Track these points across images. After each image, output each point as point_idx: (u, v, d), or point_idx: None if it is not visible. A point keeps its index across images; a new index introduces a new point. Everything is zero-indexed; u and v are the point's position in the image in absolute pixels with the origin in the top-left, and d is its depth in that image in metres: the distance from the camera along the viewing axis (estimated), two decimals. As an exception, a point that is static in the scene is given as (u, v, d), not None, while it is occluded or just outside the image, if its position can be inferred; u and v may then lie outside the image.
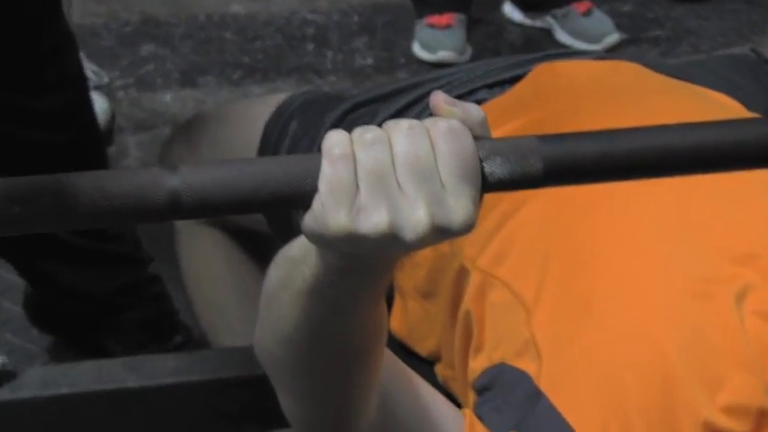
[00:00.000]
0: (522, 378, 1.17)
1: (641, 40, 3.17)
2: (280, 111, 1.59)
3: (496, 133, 1.32)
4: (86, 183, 0.77)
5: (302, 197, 0.80)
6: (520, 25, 3.24)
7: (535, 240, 1.24)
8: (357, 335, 1.00)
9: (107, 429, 1.60)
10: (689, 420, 1.08)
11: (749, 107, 1.43)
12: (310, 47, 3.13)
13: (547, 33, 3.19)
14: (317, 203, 0.79)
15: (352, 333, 0.99)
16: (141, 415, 1.57)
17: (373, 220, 0.79)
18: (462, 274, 1.29)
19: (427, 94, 1.50)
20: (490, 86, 1.50)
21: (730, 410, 1.08)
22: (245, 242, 1.70)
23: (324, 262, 0.90)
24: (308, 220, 0.81)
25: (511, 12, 3.26)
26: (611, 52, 3.05)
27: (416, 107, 1.49)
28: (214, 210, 0.80)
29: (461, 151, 0.80)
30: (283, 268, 0.99)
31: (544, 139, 0.82)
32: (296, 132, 1.55)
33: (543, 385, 1.15)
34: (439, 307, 1.33)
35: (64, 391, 1.53)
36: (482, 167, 0.81)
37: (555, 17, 3.17)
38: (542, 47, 3.12)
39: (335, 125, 1.51)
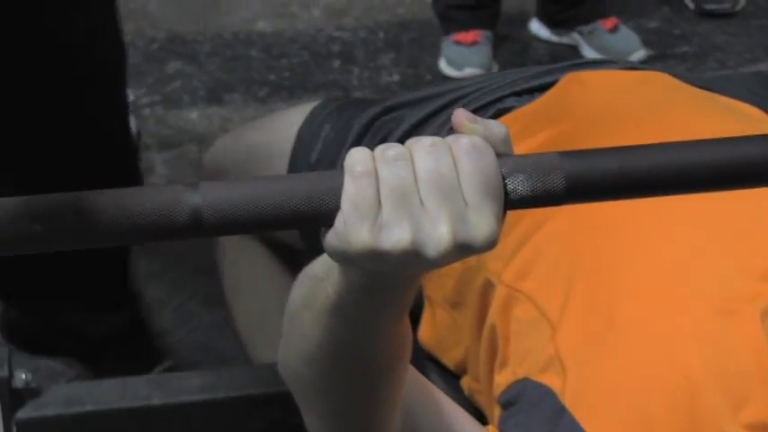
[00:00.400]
0: (547, 394, 1.16)
1: (668, 57, 3.16)
2: (313, 115, 1.60)
3: (525, 144, 1.34)
4: (107, 200, 0.77)
5: (325, 215, 0.80)
6: (546, 42, 3.25)
7: (560, 256, 1.24)
8: (380, 353, 0.99)
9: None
10: None
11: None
12: (336, 64, 3.14)
13: (573, 50, 3.19)
14: (339, 221, 0.79)
15: (376, 351, 0.98)
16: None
17: (396, 237, 0.78)
18: (488, 288, 1.28)
19: (453, 102, 1.50)
20: (519, 94, 1.50)
21: (754, 427, 1.08)
22: (285, 255, 1.70)
23: (347, 279, 0.89)
24: (331, 237, 0.81)
25: (537, 29, 3.26)
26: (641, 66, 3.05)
27: (443, 114, 1.49)
28: (236, 228, 0.80)
29: (484, 168, 0.79)
30: (306, 286, 0.99)
31: (566, 155, 0.82)
32: (327, 135, 1.56)
33: (568, 401, 1.14)
34: (466, 317, 1.33)
35: (88, 408, 1.53)
36: (505, 184, 0.81)
37: (581, 34, 3.17)
38: (569, 60, 3.12)
39: (363, 131, 1.53)
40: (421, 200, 0.79)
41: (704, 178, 0.84)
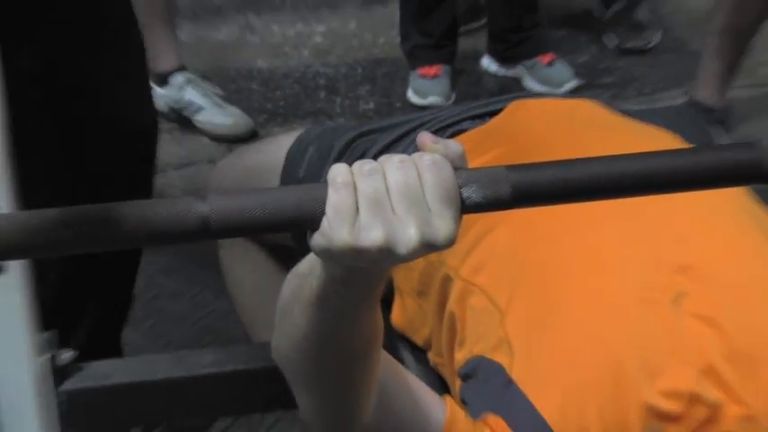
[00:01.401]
0: (499, 369, 1.17)
1: (595, 86, 3.17)
2: (299, 139, 1.60)
3: (478, 160, 1.35)
4: (129, 210, 0.78)
5: (312, 220, 0.81)
6: (495, 75, 3.25)
7: (507, 256, 1.24)
8: (357, 339, 0.99)
9: (157, 414, 1.60)
10: (634, 403, 1.08)
11: (684, 141, 1.44)
12: (322, 94, 3.13)
13: (518, 81, 3.20)
14: (324, 224, 0.80)
15: (353, 337, 0.99)
16: (185, 401, 1.57)
17: (372, 237, 0.79)
18: (447, 281, 1.29)
19: (417, 127, 1.51)
20: (473, 118, 1.50)
21: (667, 394, 1.08)
22: (276, 255, 1.70)
23: (328, 274, 0.90)
24: (317, 237, 0.81)
25: (488, 64, 3.26)
26: (572, 95, 3.05)
27: (408, 138, 1.50)
28: (238, 232, 0.80)
29: (443, 180, 0.80)
30: (294, 283, 1.00)
31: (512, 168, 0.82)
32: (312, 156, 1.56)
33: (515, 375, 1.15)
34: (430, 304, 1.33)
35: (119, 381, 1.53)
36: (461, 193, 0.81)
37: (525, 67, 3.18)
38: (513, 92, 3.12)
39: (343, 150, 1.53)
40: (392, 207, 0.80)
41: (628, 186, 0.86)
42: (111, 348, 1.97)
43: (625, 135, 1.43)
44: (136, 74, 1.84)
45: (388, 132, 1.53)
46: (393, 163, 0.81)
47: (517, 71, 3.20)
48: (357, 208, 0.80)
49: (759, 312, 1.15)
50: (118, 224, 0.77)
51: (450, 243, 0.81)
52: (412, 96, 3.12)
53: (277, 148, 1.62)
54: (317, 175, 1.51)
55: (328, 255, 0.83)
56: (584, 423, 1.09)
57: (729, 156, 0.86)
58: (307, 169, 1.54)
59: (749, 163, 0.84)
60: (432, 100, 3.07)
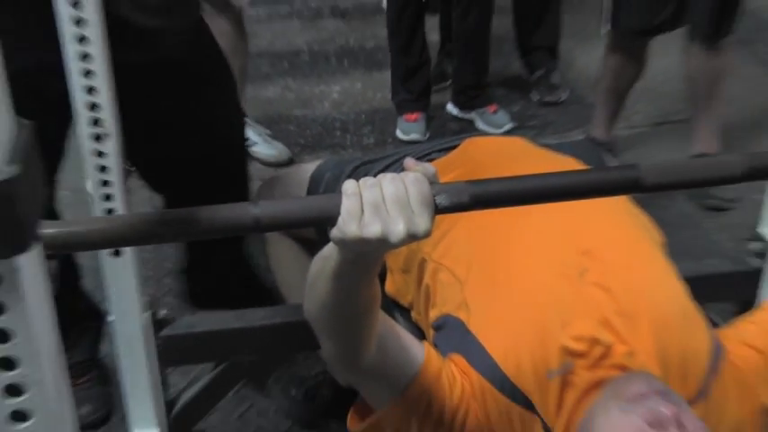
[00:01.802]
0: (460, 323, 1.16)
1: (524, 127, 3.16)
2: (319, 168, 1.60)
3: (445, 178, 1.33)
4: (204, 213, 0.77)
5: (331, 218, 0.82)
6: (456, 118, 3.23)
7: (466, 243, 1.24)
8: (363, 301, 0.99)
9: (224, 353, 1.59)
10: (553, 345, 1.09)
11: (585, 164, 1.44)
12: (338, 133, 3.12)
13: (472, 123, 3.18)
14: (339, 221, 0.81)
15: (360, 300, 0.99)
16: (244, 344, 1.56)
17: (372, 231, 0.80)
18: (423, 262, 1.28)
19: (402, 157, 1.51)
20: (439, 150, 1.51)
21: (576, 338, 1.08)
22: (305, 246, 1.69)
23: (342, 257, 0.91)
24: (335, 231, 0.82)
25: (451, 109, 3.25)
26: (509, 134, 3.05)
27: (397, 164, 1.50)
28: (279, 227, 0.81)
29: (422, 191, 0.82)
30: (318, 264, 1.00)
31: (470, 183, 0.83)
32: (329, 178, 1.55)
33: (471, 327, 1.14)
34: (411, 279, 1.33)
35: (199, 330, 1.53)
36: (434, 200, 0.82)
37: (477, 113, 3.17)
38: (468, 131, 3.12)
39: (350, 173, 1.53)
40: (387, 210, 0.81)
41: (546, 195, 0.86)
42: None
43: (544, 160, 1.43)
44: (231, 95, 1.80)
45: (382, 161, 1.54)
46: (387, 179, 0.82)
47: (471, 116, 3.18)
48: (362, 210, 0.81)
49: (637, 282, 1.15)
50: (198, 223, 0.77)
51: (427, 235, 0.82)
52: (399, 134, 3.10)
53: (303, 172, 1.62)
54: (333, 191, 1.50)
55: (342, 243, 0.83)
56: (519, 359, 1.09)
57: (618, 174, 0.87)
58: (324, 187, 1.54)
59: (631, 179, 0.85)
60: (413, 137, 3.05)
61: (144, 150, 1.71)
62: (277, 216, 0.79)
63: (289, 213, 0.80)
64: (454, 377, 1.10)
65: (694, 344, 1.11)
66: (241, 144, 1.90)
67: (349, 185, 0.82)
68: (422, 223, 0.81)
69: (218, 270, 1.95)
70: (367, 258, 0.90)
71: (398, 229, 0.80)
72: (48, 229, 0.70)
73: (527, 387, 1.07)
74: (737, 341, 1.15)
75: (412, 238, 0.81)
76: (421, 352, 1.12)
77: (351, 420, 1.17)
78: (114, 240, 0.76)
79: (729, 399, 1.10)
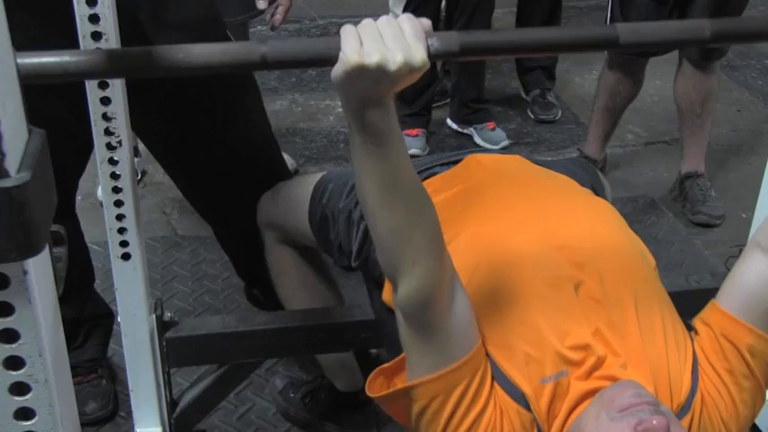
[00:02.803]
0: None
1: (520, 144, 3.16)
2: (323, 178, 1.57)
3: (446, 193, 1.32)
4: (215, 48, 0.77)
5: (332, 57, 0.81)
6: (455, 133, 3.22)
7: (466, 253, 1.20)
8: (400, 169, 0.94)
9: (227, 355, 1.58)
10: (549, 353, 1.07)
11: (577, 180, 1.43)
12: (342, 146, 3.12)
13: (470, 138, 3.17)
14: (341, 55, 0.81)
15: (397, 168, 0.94)
16: (246, 347, 1.55)
17: (373, 57, 0.81)
18: None
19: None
20: (441, 165, 1.48)
21: (572, 347, 1.07)
22: (306, 254, 1.68)
23: (350, 111, 0.88)
24: (337, 67, 0.82)
25: (451, 123, 3.24)
26: (504, 150, 3.04)
27: None
28: (284, 65, 0.81)
29: (415, 27, 0.82)
30: (352, 154, 0.95)
31: (461, 32, 0.83)
32: (332, 188, 1.52)
33: None
34: None
35: (204, 332, 1.52)
36: (427, 41, 0.82)
37: (475, 129, 3.16)
38: (467, 146, 3.11)
39: (353, 186, 1.47)
40: (384, 42, 0.81)
41: (527, 47, 0.87)
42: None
43: (539, 177, 1.42)
44: (258, 106, 1.81)
45: None
46: (382, 20, 0.83)
47: (470, 131, 3.17)
48: (362, 43, 0.81)
49: (628, 297, 1.13)
50: (210, 56, 0.76)
51: (423, 65, 0.81)
52: (400, 148, 3.09)
53: (307, 183, 1.59)
54: (336, 201, 1.48)
55: (344, 78, 0.82)
56: (516, 363, 1.07)
57: (598, 31, 0.86)
58: (328, 197, 1.51)
59: (610, 36, 0.84)
60: (413, 151, 3.03)
61: (174, 158, 1.72)
62: (283, 53, 0.78)
63: (294, 51, 0.79)
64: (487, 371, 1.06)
65: (680, 362, 1.10)
66: (275, 158, 1.87)
67: (347, 26, 0.82)
68: (417, 54, 0.81)
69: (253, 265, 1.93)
70: (370, 99, 0.86)
71: (395, 57, 0.80)
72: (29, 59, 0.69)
73: (523, 387, 1.06)
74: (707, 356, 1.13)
75: (409, 67, 0.81)
76: (477, 335, 1.07)
77: (375, 385, 1.09)
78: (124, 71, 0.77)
79: (711, 418, 1.09)
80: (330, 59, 0.81)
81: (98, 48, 1.19)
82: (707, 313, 1.15)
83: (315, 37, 3.95)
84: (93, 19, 1.18)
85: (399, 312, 1.04)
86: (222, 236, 1.93)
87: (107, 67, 0.75)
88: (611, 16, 2.60)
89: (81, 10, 1.17)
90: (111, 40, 1.19)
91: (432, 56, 0.82)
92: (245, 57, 0.77)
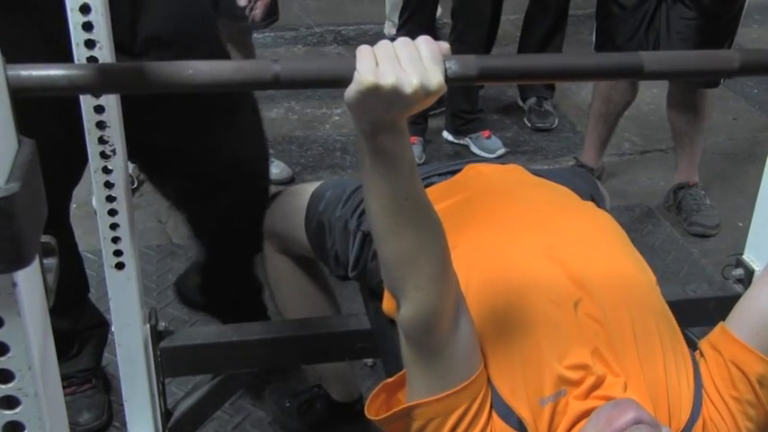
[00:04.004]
0: None
1: (517, 152, 3.16)
2: (320, 187, 1.56)
3: (445, 203, 1.31)
4: (227, 66, 0.76)
5: (348, 78, 0.79)
6: (451, 143, 3.21)
7: (467, 269, 1.18)
8: (409, 192, 0.92)
9: (222, 365, 1.57)
10: (548, 373, 1.05)
11: (577, 191, 1.42)
12: (338, 154, 3.11)
13: (466, 147, 3.17)
14: (356, 75, 0.79)
15: (406, 191, 0.92)
16: (241, 357, 1.55)
17: (388, 78, 0.78)
18: None
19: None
20: (439, 175, 1.47)
21: (570, 367, 1.05)
22: (302, 264, 1.67)
23: (362, 133, 0.87)
24: (351, 87, 0.80)
25: (447, 135, 3.23)
26: (501, 158, 3.05)
27: None
28: (298, 85, 0.78)
29: (433, 50, 0.80)
30: (363, 175, 0.93)
31: (480, 58, 0.81)
32: (329, 197, 1.50)
33: None
34: None
35: (198, 342, 1.51)
36: (445, 64, 0.80)
37: (471, 138, 3.16)
38: (463, 154, 3.11)
39: (350, 194, 1.47)
40: (400, 64, 0.79)
41: (546, 74, 0.85)
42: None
43: (539, 189, 1.41)
44: (255, 126, 1.79)
45: None
46: (399, 41, 0.81)
47: (466, 141, 3.17)
48: (377, 64, 0.79)
49: (628, 317, 1.12)
50: (222, 75, 0.74)
51: (440, 90, 0.79)
52: (396, 156, 3.08)
53: (304, 191, 1.58)
54: (333, 210, 1.47)
55: (358, 98, 0.80)
56: (514, 384, 1.05)
57: (622, 59, 0.84)
58: (324, 206, 1.50)
59: (635, 65, 0.82)
60: (410, 159, 3.04)
61: (163, 168, 1.71)
62: (297, 72, 0.76)
63: (307, 72, 0.77)
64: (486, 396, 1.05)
65: (681, 385, 1.09)
66: (264, 168, 1.86)
67: (363, 47, 0.80)
68: (434, 78, 0.78)
69: (230, 277, 1.93)
70: (383, 124, 0.85)
71: (411, 80, 0.78)
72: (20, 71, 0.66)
73: (521, 411, 1.05)
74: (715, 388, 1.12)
75: (424, 90, 0.78)
76: (480, 360, 1.05)
77: (375, 407, 1.08)
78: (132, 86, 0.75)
79: None
80: (344, 80, 0.79)
81: (92, 56, 1.18)
82: (717, 338, 1.13)
83: (311, 45, 3.95)
84: (87, 26, 1.17)
85: (401, 331, 1.03)
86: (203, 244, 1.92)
87: (107, 83, 0.74)
88: (596, 30, 2.63)
89: (75, 18, 1.16)
90: (105, 49, 1.19)
91: (449, 80, 0.80)
92: (257, 75, 0.76)
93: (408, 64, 0.79)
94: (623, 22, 2.51)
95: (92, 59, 1.18)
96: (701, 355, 1.14)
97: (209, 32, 1.62)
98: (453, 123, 3.19)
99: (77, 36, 1.17)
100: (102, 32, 1.17)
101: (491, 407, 1.05)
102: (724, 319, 1.20)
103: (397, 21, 3.15)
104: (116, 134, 1.27)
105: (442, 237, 0.97)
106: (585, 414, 1.02)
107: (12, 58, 0.60)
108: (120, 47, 1.26)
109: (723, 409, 1.08)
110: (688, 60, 0.84)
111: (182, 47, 1.46)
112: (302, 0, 4.30)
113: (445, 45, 0.81)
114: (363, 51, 0.79)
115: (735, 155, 3.17)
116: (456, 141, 3.20)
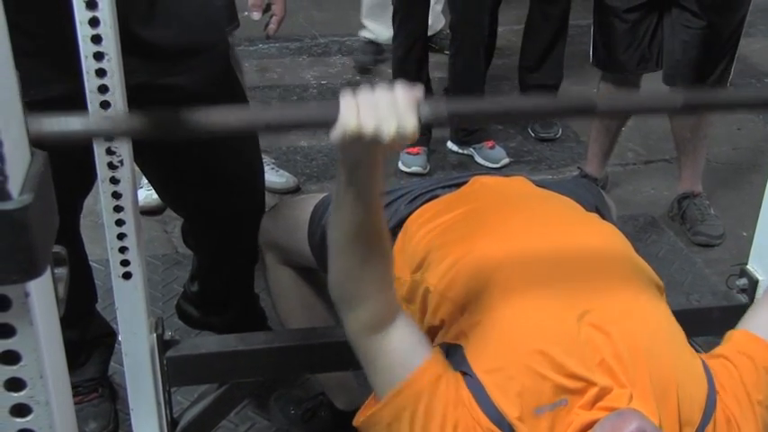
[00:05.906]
0: (459, 348, 1.14)
1: (521, 162, 3.16)
2: (323, 199, 1.57)
3: (447, 216, 1.33)
4: (218, 113, 0.85)
5: (332, 120, 0.88)
6: (456, 152, 3.22)
7: (470, 278, 1.19)
8: (370, 225, 1.06)
9: (228, 374, 1.57)
10: (548, 384, 1.05)
11: (581, 203, 1.43)
12: (343, 164, 3.11)
13: (470, 157, 3.17)
14: (340, 119, 0.88)
15: (367, 223, 1.05)
16: (246, 365, 1.55)
17: (368, 124, 0.87)
18: (426, 293, 1.25)
19: (405, 194, 1.49)
20: (443, 187, 1.48)
21: (569, 377, 1.05)
22: (305, 275, 1.68)
23: (344, 168, 1.00)
24: (336, 129, 0.88)
25: (451, 145, 3.24)
26: (505, 169, 3.05)
27: (401, 198, 1.48)
28: (287, 128, 0.99)
29: (409, 99, 0.90)
30: (335, 193, 1.05)
31: (450, 101, 0.92)
32: (332, 210, 1.51)
33: (468, 356, 1.12)
34: (415, 308, 1.29)
35: (204, 351, 1.52)
36: (419, 110, 0.90)
37: (475, 149, 3.16)
38: (467, 164, 3.12)
39: None
40: (379, 111, 0.88)
41: (515, 114, 1.00)
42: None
43: (545, 201, 1.42)
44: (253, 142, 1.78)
45: (387, 195, 1.51)
46: (379, 88, 0.90)
47: (470, 151, 3.18)
48: (359, 110, 0.88)
49: (636, 328, 1.12)
50: (214, 122, 0.84)
51: (413, 134, 0.89)
52: (401, 166, 3.09)
53: (306, 204, 1.59)
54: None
55: (342, 140, 0.89)
56: (507, 391, 1.06)
57: (576, 99, 0.98)
58: (327, 217, 1.49)
59: (588, 104, 0.93)
60: (414, 169, 3.05)
61: (167, 183, 1.71)
62: (285, 119, 0.87)
63: (295, 117, 0.88)
64: (454, 388, 1.08)
65: (691, 393, 1.09)
66: (259, 186, 1.86)
67: (346, 95, 0.89)
68: (408, 124, 0.88)
69: (227, 290, 1.93)
70: (363, 162, 0.98)
71: (389, 126, 0.87)
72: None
73: (513, 419, 1.05)
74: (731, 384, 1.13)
75: (400, 135, 0.88)
76: (429, 349, 1.10)
77: (357, 417, 1.16)
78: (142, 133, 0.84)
79: None
80: (329, 123, 0.88)
81: (107, 105, 1.22)
82: (746, 344, 1.17)
83: (316, 56, 3.97)
84: (99, 57, 1.18)
85: (350, 338, 1.14)
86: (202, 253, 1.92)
87: (129, 130, 0.86)
88: (593, 41, 2.64)
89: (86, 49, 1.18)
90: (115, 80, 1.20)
91: (422, 124, 0.89)
92: (252, 122, 0.89)
93: (386, 111, 0.88)
94: (625, 36, 2.51)
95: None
96: (728, 359, 1.16)
97: (223, 46, 1.64)
98: (457, 133, 3.19)
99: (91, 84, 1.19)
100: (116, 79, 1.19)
101: (482, 411, 1.06)
102: (728, 329, 1.20)
103: (369, 25, 3.26)
104: (124, 145, 1.28)
105: (389, 262, 1.11)
106: (590, 425, 1.02)
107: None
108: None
109: (749, 413, 1.10)
110: (635, 100, 0.97)
111: (197, 56, 1.48)
112: (307, 11, 4.31)
113: (419, 92, 0.90)
114: (347, 99, 0.88)
115: (739, 164, 3.17)
116: (460, 151, 3.21)
